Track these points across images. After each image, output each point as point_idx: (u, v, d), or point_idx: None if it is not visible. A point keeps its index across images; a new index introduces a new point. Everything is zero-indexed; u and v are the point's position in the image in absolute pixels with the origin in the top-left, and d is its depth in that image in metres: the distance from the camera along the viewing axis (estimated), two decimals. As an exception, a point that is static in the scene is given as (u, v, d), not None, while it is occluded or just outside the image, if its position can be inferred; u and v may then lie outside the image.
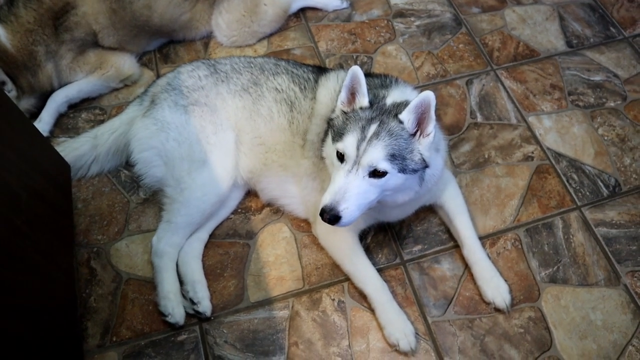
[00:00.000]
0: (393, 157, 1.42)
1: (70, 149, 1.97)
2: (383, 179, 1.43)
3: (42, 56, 2.18)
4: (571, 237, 1.89)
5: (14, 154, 1.57)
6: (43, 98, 2.23)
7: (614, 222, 1.93)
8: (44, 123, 2.17)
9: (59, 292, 1.64)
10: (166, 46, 2.48)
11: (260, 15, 2.43)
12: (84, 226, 1.93)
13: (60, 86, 2.27)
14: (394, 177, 1.45)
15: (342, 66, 2.38)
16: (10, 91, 2.11)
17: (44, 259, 1.57)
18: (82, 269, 1.84)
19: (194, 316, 1.72)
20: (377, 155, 1.41)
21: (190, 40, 2.49)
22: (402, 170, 1.44)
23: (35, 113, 2.20)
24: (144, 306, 1.75)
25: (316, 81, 1.86)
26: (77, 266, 1.83)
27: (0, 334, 1.27)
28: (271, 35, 2.51)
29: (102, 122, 2.14)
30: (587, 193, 2.00)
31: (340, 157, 1.46)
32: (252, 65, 1.95)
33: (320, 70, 1.94)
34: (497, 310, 1.73)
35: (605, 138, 2.16)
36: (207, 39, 2.50)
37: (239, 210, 1.95)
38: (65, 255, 1.76)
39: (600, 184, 2.03)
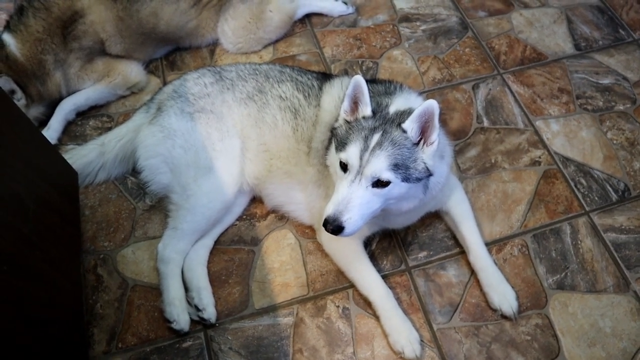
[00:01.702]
0: (396, 167, 1.41)
1: (78, 156, 1.99)
2: (386, 188, 1.43)
3: (51, 65, 2.21)
4: (579, 242, 1.87)
5: (22, 162, 1.59)
6: (52, 106, 2.26)
7: (623, 227, 1.90)
8: (52, 131, 2.20)
9: (65, 299, 1.66)
10: (173, 53, 2.51)
11: (266, 22, 2.45)
12: (90, 233, 1.95)
13: (69, 94, 2.30)
14: (398, 187, 1.44)
15: (347, 72, 2.38)
16: (20, 100, 2.14)
17: (51, 267, 1.59)
18: (88, 276, 1.85)
19: (199, 323, 1.73)
20: (380, 165, 1.41)
21: (197, 47, 2.51)
22: (406, 179, 1.44)
23: (44, 121, 2.24)
24: (149, 312, 1.76)
25: (320, 88, 1.87)
26: (84, 273, 1.85)
27: (8, 343, 1.29)
28: (277, 41, 2.52)
29: (109, 129, 2.17)
30: (596, 198, 1.98)
31: (344, 166, 1.46)
32: (257, 72, 1.96)
33: (325, 77, 1.94)
34: (504, 317, 1.71)
35: (614, 142, 2.13)
36: (213, 45, 2.52)
37: (244, 216, 1.96)
38: (72, 262, 1.78)
39: (609, 188, 2.00)
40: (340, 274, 1.80)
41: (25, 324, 1.37)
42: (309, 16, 2.61)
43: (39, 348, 1.42)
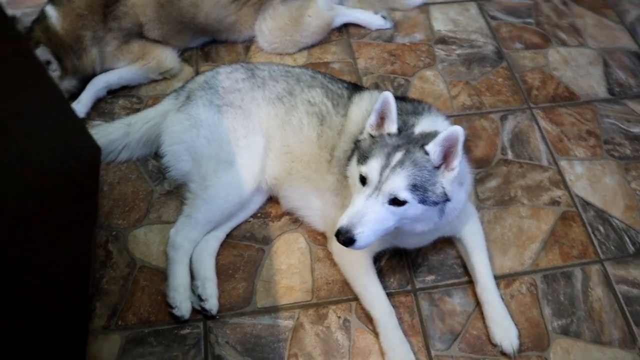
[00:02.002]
0: (414, 188, 1.42)
1: (104, 133, 2.02)
2: (402, 207, 1.43)
3: (88, 41, 2.25)
4: (590, 290, 1.84)
5: (49, 132, 1.61)
6: (84, 80, 2.30)
7: (636, 281, 1.87)
8: (82, 105, 2.24)
9: (74, 268, 1.67)
10: (208, 45, 2.54)
11: (304, 26, 2.47)
12: (106, 209, 1.97)
13: (102, 71, 2.34)
14: (414, 207, 1.45)
15: (378, 86, 2.39)
16: (55, 71, 2.19)
17: (67, 237, 1.61)
18: (99, 251, 1.87)
19: (200, 312, 1.74)
20: (398, 184, 1.41)
21: (233, 42, 2.54)
22: (423, 201, 1.44)
23: (75, 94, 2.27)
24: (153, 295, 1.78)
25: (349, 99, 1.88)
26: (95, 247, 1.87)
27: (13, 301, 1.30)
28: (312, 46, 2.54)
29: (137, 110, 2.20)
30: (612, 247, 1.95)
31: (363, 180, 1.47)
32: (289, 74, 1.98)
33: (355, 88, 1.95)
34: (503, 354, 1.68)
35: (638, 193, 2.11)
36: (249, 42, 2.54)
37: (259, 214, 1.97)
38: (85, 234, 1.79)
39: (627, 239, 1.97)
40: (346, 285, 1.80)
41: (34, 286, 1.39)
42: (346, 26, 2.63)
43: (43, 312, 1.43)
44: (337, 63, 2.48)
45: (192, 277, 1.77)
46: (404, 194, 1.42)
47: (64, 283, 1.58)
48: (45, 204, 1.50)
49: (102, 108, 2.29)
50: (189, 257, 1.80)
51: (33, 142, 1.49)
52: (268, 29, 2.46)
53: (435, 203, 1.47)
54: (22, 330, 1.31)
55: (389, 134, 1.52)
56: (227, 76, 1.96)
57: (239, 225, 1.93)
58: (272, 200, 1.99)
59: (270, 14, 2.46)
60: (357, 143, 1.62)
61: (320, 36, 2.54)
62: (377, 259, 1.83)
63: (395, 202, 1.43)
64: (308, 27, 2.47)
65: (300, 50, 2.52)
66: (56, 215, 1.56)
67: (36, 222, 1.44)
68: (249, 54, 2.51)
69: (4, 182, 1.29)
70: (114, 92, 2.33)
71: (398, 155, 1.44)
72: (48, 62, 2.16)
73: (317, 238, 1.91)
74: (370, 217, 1.43)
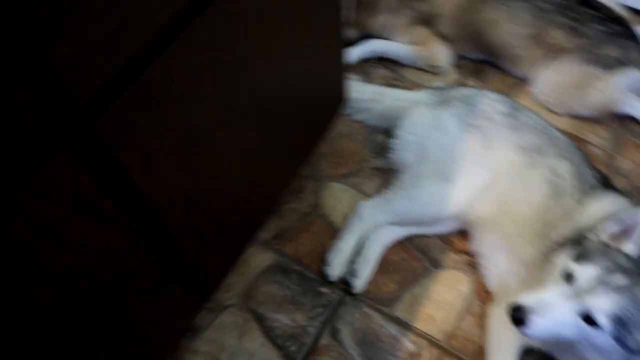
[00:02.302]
0: (618, 321, 1.28)
1: (355, 89, 2.16)
2: (592, 330, 1.31)
3: (384, 6, 2.41)
4: None
5: (314, 64, 1.72)
6: (362, 37, 2.48)
7: None
8: (351, 56, 2.43)
9: (275, 183, 1.83)
10: (483, 63, 2.52)
11: (585, 96, 2.30)
12: (322, 151, 2.14)
13: (382, 37, 2.49)
14: (603, 338, 1.31)
15: (626, 193, 2.14)
16: (347, 19, 2.39)
17: (282, 155, 1.74)
18: (296, 180, 2.04)
19: (344, 284, 1.82)
20: (605, 306, 1.28)
21: (507, 72, 2.49)
22: (618, 339, 1.29)
23: (350, 44, 2.45)
24: (317, 244, 1.90)
25: (594, 189, 1.72)
26: (293, 176, 2.05)
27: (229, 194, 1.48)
28: (582, 119, 2.36)
29: (393, 86, 2.30)
30: None
31: (568, 277, 1.36)
32: (547, 133, 1.88)
33: (605, 183, 1.78)
34: None
35: None
36: (522, 81, 2.46)
37: (444, 238, 1.96)
38: (296, 162, 1.93)
39: None
40: (481, 353, 1.71)
41: (251, 179, 1.55)
42: (629, 118, 2.38)
43: (237, 204, 1.56)
44: (598, 148, 2.28)
45: (358, 252, 1.85)
46: (602, 320, 1.29)
47: (265, 191, 1.75)
48: (283, 120, 1.64)
49: (363, 67, 2.45)
50: (364, 232, 1.87)
51: (300, 66, 1.60)
52: (548, 80, 2.35)
53: (628, 349, 1.31)
54: (215, 216, 1.46)
55: (624, 253, 1.38)
56: (490, 103, 1.94)
57: (420, 236, 1.94)
58: (463, 234, 1.95)
59: (557, 67, 2.33)
60: (581, 238, 1.50)
61: (596, 113, 2.34)
62: (526, 352, 1.70)
63: (589, 320, 1.31)
64: (589, 99, 2.29)
65: (567, 115, 2.36)
66: (286, 131, 1.69)
67: (275, 129, 1.59)
68: (516, 91, 2.43)
69: (257, 91, 1.41)
70: (381, 60, 2.48)
71: (622, 279, 1.31)
72: (338, 10, 2.36)
73: (482, 293, 1.84)
74: (555, 315, 1.33)
